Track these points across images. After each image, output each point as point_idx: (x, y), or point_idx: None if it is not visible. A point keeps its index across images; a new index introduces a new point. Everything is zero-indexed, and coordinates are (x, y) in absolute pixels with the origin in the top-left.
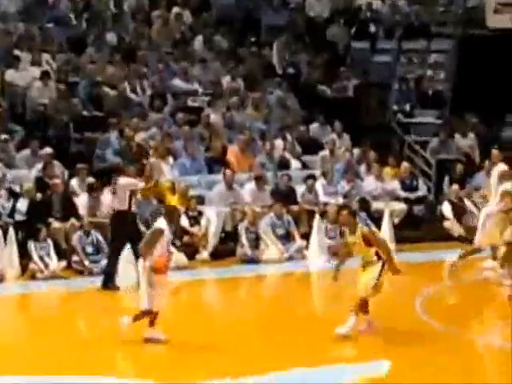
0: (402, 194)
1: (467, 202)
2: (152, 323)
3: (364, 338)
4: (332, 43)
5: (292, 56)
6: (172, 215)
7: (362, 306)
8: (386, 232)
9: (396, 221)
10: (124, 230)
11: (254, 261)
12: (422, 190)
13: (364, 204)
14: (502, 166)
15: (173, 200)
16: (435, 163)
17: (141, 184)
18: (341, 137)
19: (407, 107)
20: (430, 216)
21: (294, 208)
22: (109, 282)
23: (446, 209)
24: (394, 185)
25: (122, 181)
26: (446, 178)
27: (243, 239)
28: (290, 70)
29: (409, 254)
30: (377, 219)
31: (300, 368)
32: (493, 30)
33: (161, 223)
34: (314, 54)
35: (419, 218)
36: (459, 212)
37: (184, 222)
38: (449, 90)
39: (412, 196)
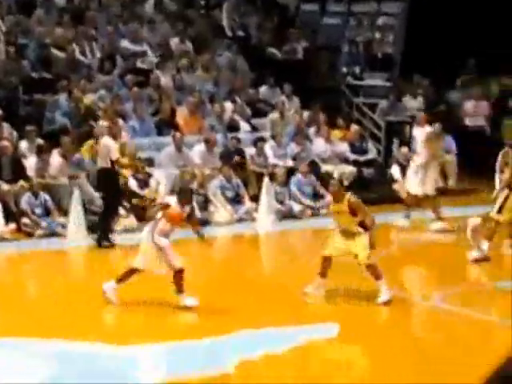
0: (352, 156)
1: None
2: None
3: (314, 300)
4: (282, 5)
5: (242, 18)
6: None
7: (376, 271)
8: None
9: (345, 183)
10: (113, 187)
11: (203, 223)
12: (372, 153)
13: (313, 166)
14: (427, 129)
15: (123, 161)
16: (384, 125)
17: (115, 146)
18: (290, 99)
19: (357, 70)
20: (380, 178)
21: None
22: (104, 240)
23: (395, 171)
24: (344, 147)
25: (104, 141)
26: (395, 141)
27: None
28: (240, 33)
29: None
30: (327, 182)
31: (248, 330)
32: None
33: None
34: (263, 17)
35: (369, 180)
36: None
37: (133, 184)
38: (398, 52)
39: (361, 158)
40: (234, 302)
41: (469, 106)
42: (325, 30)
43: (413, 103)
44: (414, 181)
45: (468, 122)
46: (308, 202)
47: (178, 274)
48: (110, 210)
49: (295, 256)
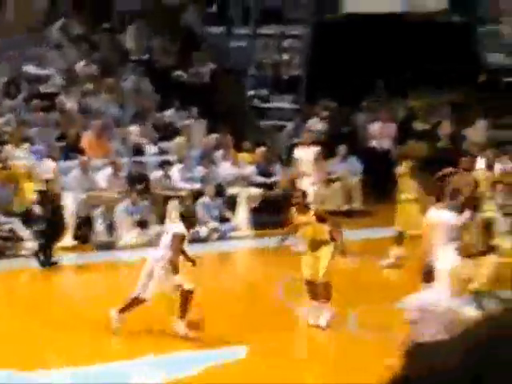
0: (259, 179)
1: None
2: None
3: (223, 322)
4: (187, 28)
5: (147, 41)
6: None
7: (329, 291)
8: (242, 217)
9: (252, 206)
10: (51, 208)
11: (109, 247)
12: (278, 175)
13: (220, 189)
14: (314, 149)
15: (29, 186)
16: (289, 148)
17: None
18: (197, 122)
19: (263, 92)
20: (287, 200)
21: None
22: (46, 260)
23: None
24: (251, 170)
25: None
26: None
27: (98, 225)
28: (145, 56)
29: (267, 240)
30: (233, 204)
31: (150, 355)
32: (347, 14)
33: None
34: (169, 40)
35: (276, 202)
36: None
37: (39, 208)
38: (305, 74)
39: (268, 181)
40: (142, 327)
41: (375, 127)
42: (231, 52)
43: (318, 126)
44: None
45: (374, 143)
46: (215, 225)
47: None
48: (50, 230)
49: (202, 279)
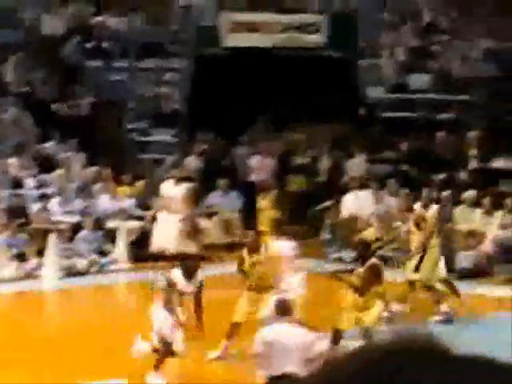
0: (137, 212)
1: None
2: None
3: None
4: (67, 61)
5: (27, 74)
6: None
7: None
8: (121, 250)
9: (131, 239)
10: None
11: None
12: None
13: (99, 223)
14: (185, 185)
15: None
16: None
17: None
18: (76, 155)
19: (143, 126)
20: None
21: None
22: None
23: None
24: (130, 203)
25: None
26: None
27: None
28: (26, 88)
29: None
30: (112, 237)
31: None
32: (227, 48)
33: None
34: (48, 72)
35: None
36: None
37: None
38: (184, 108)
39: (147, 214)
40: (24, 360)
41: (254, 161)
42: (111, 85)
43: (194, 161)
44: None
45: (254, 177)
46: (94, 258)
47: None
48: None
49: (80, 312)
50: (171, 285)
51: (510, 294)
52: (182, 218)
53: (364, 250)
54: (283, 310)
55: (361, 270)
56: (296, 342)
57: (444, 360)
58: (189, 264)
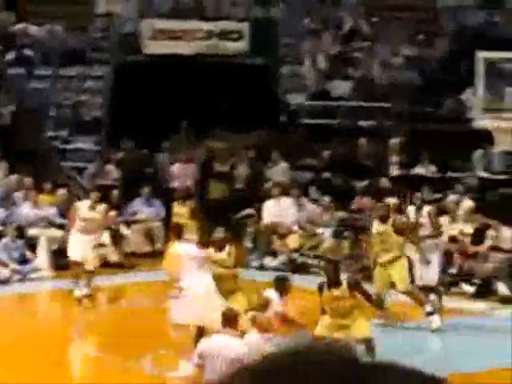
0: (59, 220)
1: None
2: None
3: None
4: None
5: None
6: None
7: None
8: (43, 258)
9: (53, 247)
10: None
11: None
12: None
13: (20, 231)
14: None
15: None
16: (93, 189)
17: None
18: None
19: (64, 133)
20: None
21: None
22: None
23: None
24: (51, 211)
25: None
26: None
27: None
28: None
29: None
30: (34, 245)
31: None
32: (148, 55)
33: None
34: None
35: None
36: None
37: None
38: (106, 116)
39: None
40: None
41: (175, 168)
42: (31, 93)
43: (112, 169)
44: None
45: (176, 184)
46: (16, 266)
47: None
48: None
49: (3, 322)
50: None
51: None
52: (94, 238)
53: (333, 271)
54: (226, 320)
55: (336, 292)
56: (230, 356)
57: (342, 362)
58: None
